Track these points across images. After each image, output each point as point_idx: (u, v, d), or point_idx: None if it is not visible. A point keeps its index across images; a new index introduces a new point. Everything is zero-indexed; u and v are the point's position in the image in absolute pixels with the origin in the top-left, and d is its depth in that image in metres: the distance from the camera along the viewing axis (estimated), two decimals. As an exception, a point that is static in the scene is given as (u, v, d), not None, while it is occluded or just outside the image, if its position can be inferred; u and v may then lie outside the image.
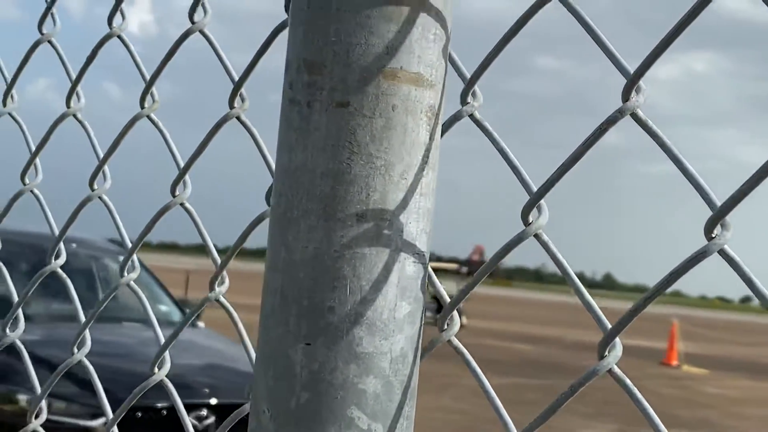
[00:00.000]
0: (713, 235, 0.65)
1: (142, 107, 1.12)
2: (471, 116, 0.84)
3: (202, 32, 1.06)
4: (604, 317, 0.72)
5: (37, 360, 1.72)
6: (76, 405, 5.73)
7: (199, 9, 1.06)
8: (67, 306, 7.17)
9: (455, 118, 0.83)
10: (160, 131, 1.09)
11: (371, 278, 0.74)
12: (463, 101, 0.84)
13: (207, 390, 5.92)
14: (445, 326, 0.83)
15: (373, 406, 0.74)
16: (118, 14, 1.17)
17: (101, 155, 1.16)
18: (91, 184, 1.16)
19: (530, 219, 0.76)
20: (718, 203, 0.66)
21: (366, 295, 0.74)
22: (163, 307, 8.22)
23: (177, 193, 1.06)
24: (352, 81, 0.74)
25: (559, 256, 0.76)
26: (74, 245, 7.81)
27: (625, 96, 0.71)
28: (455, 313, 0.83)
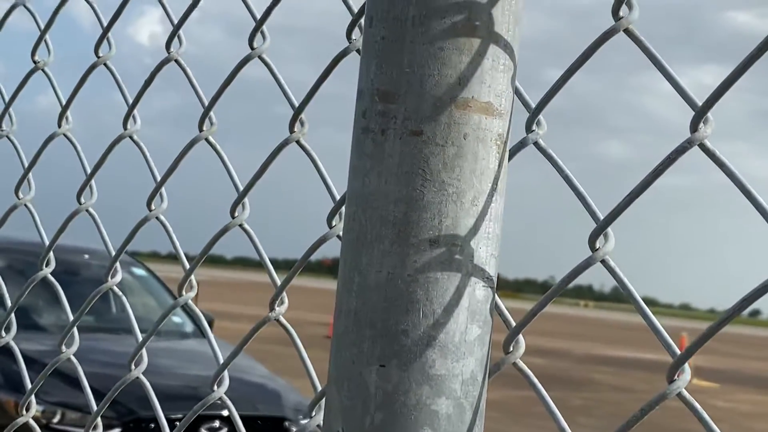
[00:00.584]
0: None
1: (201, 130, 1.14)
2: (536, 144, 0.86)
3: (261, 58, 1.08)
4: (672, 342, 0.74)
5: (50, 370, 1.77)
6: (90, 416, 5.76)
7: (258, 36, 1.09)
8: (83, 317, 7.21)
9: (521, 145, 0.86)
10: (218, 154, 1.12)
11: (443, 302, 0.76)
12: (528, 129, 0.86)
13: (219, 401, 5.94)
14: (511, 349, 0.85)
15: (445, 427, 0.76)
16: (176, 40, 1.20)
17: (158, 176, 1.20)
18: (148, 205, 1.20)
19: (597, 245, 0.78)
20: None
21: (438, 319, 0.76)
22: (175, 319, 8.26)
23: (236, 214, 1.09)
24: (425, 110, 0.76)
25: (626, 281, 0.78)
26: (86, 256, 7.86)
27: (693, 127, 0.73)
28: (520, 336, 0.85)
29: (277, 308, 1.04)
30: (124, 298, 1.29)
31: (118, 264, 1.28)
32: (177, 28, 1.17)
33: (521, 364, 0.85)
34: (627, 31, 0.79)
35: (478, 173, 0.77)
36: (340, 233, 1.00)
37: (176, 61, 1.18)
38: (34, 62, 1.41)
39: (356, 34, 1.00)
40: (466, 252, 0.76)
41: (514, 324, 0.85)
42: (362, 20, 0.99)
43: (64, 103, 1.36)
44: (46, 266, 1.43)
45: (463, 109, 0.76)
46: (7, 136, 1.53)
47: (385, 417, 0.76)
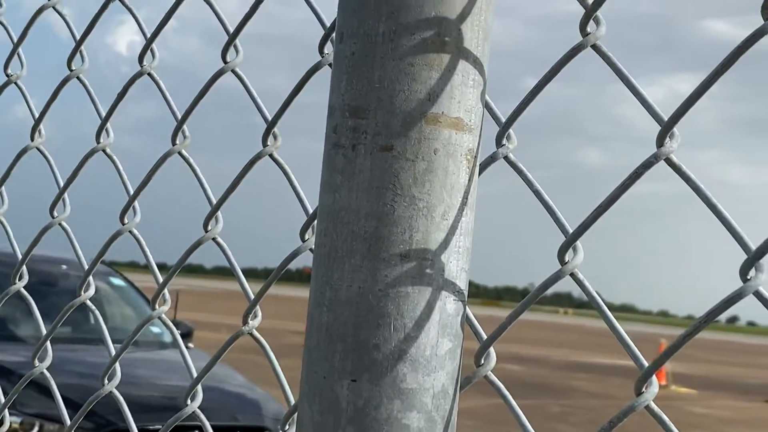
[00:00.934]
0: (748, 278, 0.68)
1: (174, 143, 1.14)
2: (506, 158, 0.86)
3: (234, 72, 1.09)
4: (640, 354, 0.75)
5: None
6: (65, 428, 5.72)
7: (231, 49, 1.09)
8: (60, 328, 7.19)
9: (491, 159, 0.86)
10: (192, 167, 1.12)
11: (414, 316, 0.77)
12: (498, 143, 0.87)
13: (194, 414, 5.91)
14: (482, 362, 0.85)
15: (416, 440, 0.76)
16: (149, 53, 1.20)
17: (131, 190, 1.20)
18: (121, 219, 1.20)
19: (566, 258, 0.79)
20: (753, 247, 0.69)
21: (409, 333, 0.76)
22: (154, 329, 8.23)
23: (209, 228, 1.09)
24: (395, 126, 0.77)
25: (594, 293, 0.78)
26: (64, 267, 7.82)
27: (660, 141, 0.74)
28: (491, 348, 0.85)
29: (250, 322, 1.04)
30: (97, 313, 1.29)
31: (91, 278, 1.28)
32: (150, 41, 1.17)
33: (492, 376, 0.85)
34: (594, 47, 0.80)
35: (448, 188, 0.78)
36: (313, 247, 1.00)
37: (149, 74, 1.18)
38: (7, 75, 1.41)
39: (328, 48, 1.01)
40: (437, 266, 0.77)
41: (485, 337, 0.85)
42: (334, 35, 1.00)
43: (36, 116, 1.36)
44: (19, 280, 1.43)
45: (433, 124, 0.77)
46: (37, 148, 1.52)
47: (356, 431, 0.76)
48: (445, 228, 0.77)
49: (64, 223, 1.32)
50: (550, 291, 0.80)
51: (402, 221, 0.77)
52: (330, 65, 1.00)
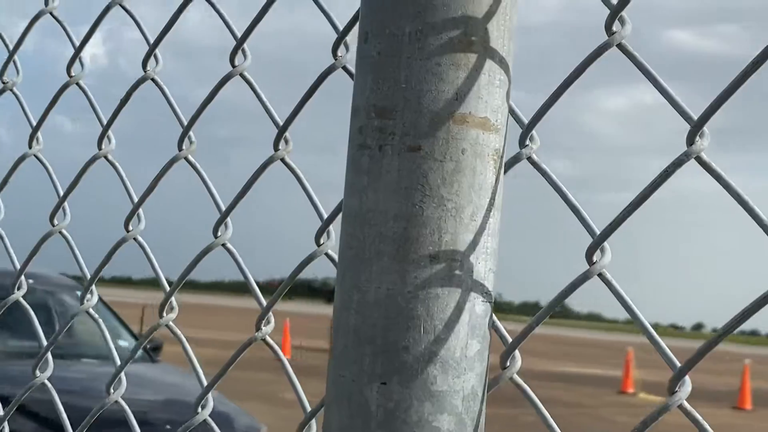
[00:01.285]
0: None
1: (180, 149, 1.13)
2: (529, 159, 0.86)
3: (242, 75, 1.08)
4: (672, 356, 0.75)
5: None
6: None
7: (239, 54, 1.08)
8: (22, 343, 7.13)
9: (515, 160, 0.86)
10: (198, 173, 1.11)
11: (444, 318, 0.76)
12: (522, 144, 0.86)
13: (168, 426, 5.88)
14: (507, 364, 0.85)
15: (447, 443, 0.76)
16: (152, 59, 1.19)
17: (135, 198, 1.18)
18: (126, 226, 1.18)
19: (594, 259, 0.79)
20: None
21: (439, 335, 0.76)
22: (122, 342, 8.16)
23: (219, 234, 1.08)
24: (423, 126, 0.76)
25: (623, 293, 0.78)
26: (31, 281, 7.73)
27: (690, 140, 0.74)
28: (517, 351, 0.85)
29: (263, 328, 1.03)
30: (100, 321, 1.27)
31: (94, 286, 1.26)
32: (153, 47, 1.15)
33: (518, 378, 0.85)
34: (620, 46, 0.80)
35: (476, 188, 0.77)
36: (329, 251, 0.99)
37: (153, 79, 1.16)
38: (3, 82, 1.38)
39: (341, 51, 1.00)
40: (466, 267, 0.76)
41: (510, 339, 0.85)
42: (347, 38, 0.99)
43: (34, 123, 1.34)
44: (18, 290, 1.42)
45: (460, 124, 0.76)
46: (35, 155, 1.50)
47: (387, 435, 0.75)
48: (474, 229, 0.77)
49: (64, 231, 1.31)
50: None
51: (431, 222, 0.76)
52: (344, 68, 1.00)
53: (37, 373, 1.35)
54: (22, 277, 1.44)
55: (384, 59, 0.78)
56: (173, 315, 1.14)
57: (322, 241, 0.98)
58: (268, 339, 1.04)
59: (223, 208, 1.07)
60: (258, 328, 1.03)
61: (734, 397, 22.30)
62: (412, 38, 0.77)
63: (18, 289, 1.43)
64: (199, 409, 1.10)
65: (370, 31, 0.80)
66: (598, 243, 0.78)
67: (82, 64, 1.29)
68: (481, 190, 0.77)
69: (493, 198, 0.78)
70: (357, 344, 0.77)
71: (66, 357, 6.90)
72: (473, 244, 0.77)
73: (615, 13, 0.79)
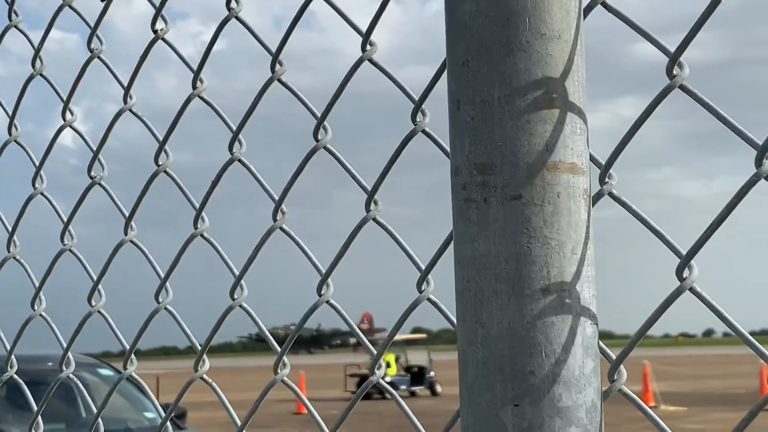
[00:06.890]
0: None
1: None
2: (610, 194, 0.97)
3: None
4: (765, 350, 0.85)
5: None
6: None
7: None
8: (53, 425, 7.20)
9: (599, 195, 0.97)
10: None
11: (561, 342, 0.86)
12: (602, 182, 0.98)
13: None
14: (615, 377, 0.95)
15: (579, 452, 0.86)
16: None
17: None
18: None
19: (684, 275, 0.90)
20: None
21: (559, 357, 0.86)
22: (149, 414, 8.22)
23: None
24: (521, 177, 0.87)
25: (715, 304, 0.88)
26: (50, 363, 7.82)
27: (758, 163, 0.85)
28: (622, 366, 0.95)
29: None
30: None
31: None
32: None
33: (626, 389, 0.95)
34: (682, 87, 0.91)
35: (573, 225, 0.88)
36: (430, 296, 1.10)
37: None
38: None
39: (419, 117, 1.11)
40: (574, 295, 0.87)
41: (613, 357, 0.95)
42: (424, 105, 1.11)
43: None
44: (66, 368, 1.55)
45: (553, 171, 0.87)
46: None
47: (526, 451, 0.85)
48: (576, 261, 0.87)
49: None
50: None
51: (539, 260, 0.87)
52: (423, 131, 1.11)
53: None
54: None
55: (478, 123, 0.89)
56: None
57: (423, 288, 1.09)
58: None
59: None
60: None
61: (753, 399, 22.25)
62: (501, 102, 0.88)
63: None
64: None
65: (461, 99, 0.91)
66: (686, 261, 0.89)
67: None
68: (578, 227, 0.88)
69: (587, 232, 0.89)
70: (487, 374, 0.88)
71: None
72: (577, 275, 0.87)
73: (674, 60, 0.90)
